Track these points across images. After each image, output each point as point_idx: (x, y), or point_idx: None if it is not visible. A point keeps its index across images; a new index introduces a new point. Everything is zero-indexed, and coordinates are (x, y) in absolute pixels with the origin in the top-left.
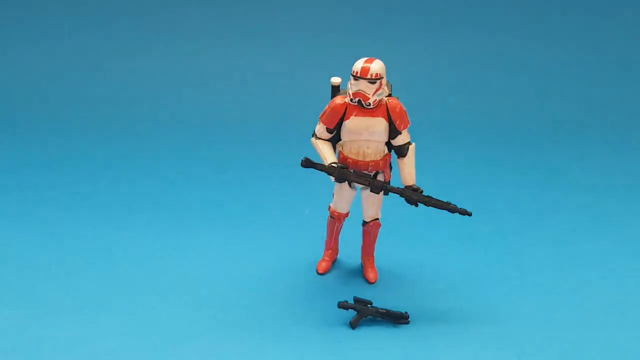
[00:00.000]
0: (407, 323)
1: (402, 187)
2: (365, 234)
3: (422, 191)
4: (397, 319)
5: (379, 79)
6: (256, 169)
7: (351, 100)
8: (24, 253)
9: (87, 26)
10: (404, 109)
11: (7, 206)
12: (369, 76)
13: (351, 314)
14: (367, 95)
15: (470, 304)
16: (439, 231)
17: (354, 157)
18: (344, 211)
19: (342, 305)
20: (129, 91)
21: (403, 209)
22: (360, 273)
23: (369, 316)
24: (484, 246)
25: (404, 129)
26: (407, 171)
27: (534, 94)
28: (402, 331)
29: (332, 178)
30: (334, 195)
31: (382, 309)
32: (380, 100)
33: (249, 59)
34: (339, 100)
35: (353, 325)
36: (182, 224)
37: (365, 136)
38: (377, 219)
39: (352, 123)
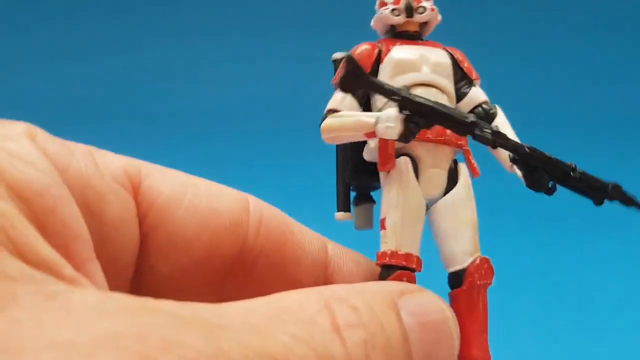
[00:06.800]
0: None
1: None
2: (465, 295)
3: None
4: None
5: None
6: (255, 166)
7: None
8: None
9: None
10: None
11: None
12: None
13: None
14: None
15: None
16: None
17: None
18: (414, 250)
19: None
20: (127, 89)
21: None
22: None
23: None
24: (484, 246)
25: (477, 79)
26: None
27: (534, 90)
28: None
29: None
30: (390, 212)
31: None
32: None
33: (251, 55)
34: (364, 44)
35: None
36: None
37: (427, 76)
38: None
39: (401, 52)
